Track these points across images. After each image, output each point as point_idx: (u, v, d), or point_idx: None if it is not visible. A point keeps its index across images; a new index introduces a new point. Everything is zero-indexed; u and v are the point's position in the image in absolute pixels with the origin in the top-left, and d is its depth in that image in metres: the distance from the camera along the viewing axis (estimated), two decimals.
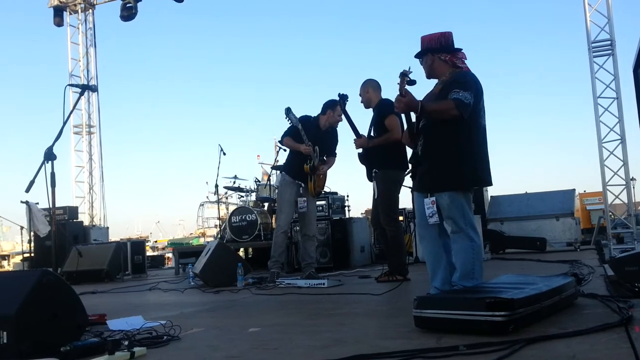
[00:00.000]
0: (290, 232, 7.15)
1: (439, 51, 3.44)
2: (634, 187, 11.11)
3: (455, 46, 3.47)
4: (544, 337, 2.20)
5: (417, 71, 3.43)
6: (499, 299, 2.37)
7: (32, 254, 9.36)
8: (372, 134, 5.27)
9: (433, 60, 3.46)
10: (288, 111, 5.74)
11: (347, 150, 5.46)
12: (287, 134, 5.92)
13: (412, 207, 7.48)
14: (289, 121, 5.78)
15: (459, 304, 2.49)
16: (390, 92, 5.44)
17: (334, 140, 6.04)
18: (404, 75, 3.28)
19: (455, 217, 3.31)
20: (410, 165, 3.68)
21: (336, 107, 5.74)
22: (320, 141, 5.83)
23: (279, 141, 6.33)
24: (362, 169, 5.32)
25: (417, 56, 3.53)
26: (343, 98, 5.47)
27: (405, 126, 3.65)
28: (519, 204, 9.63)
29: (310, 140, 5.71)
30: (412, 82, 3.29)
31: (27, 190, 3.75)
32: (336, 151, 6.09)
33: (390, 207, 5.23)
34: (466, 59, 3.46)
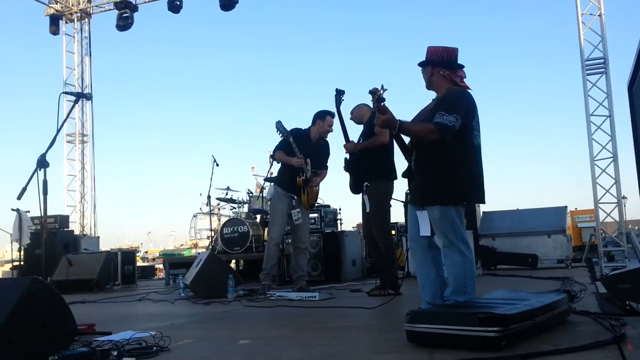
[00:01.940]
0: (282, 244, 7.13)
1: (439, 65, 3.43)
2: (625, 206, 11.18)
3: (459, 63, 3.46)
4: (537, 354, 2.20)
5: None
6: (492, 314, 2.37)
7: (22, 263, 9.26)
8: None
9: (432, 73, 3.47)
10: (279, 124, 5.75)
11: (339, 164, 5.45)
12: (278, 147, 5.92)
13: (404, 220, 7.48)
14: (280, 134, 5.79)
15: (452, 318, 2.48)
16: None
17: (326, 153, 6.04)
18: (373, 93, 3.30)
19: (446, 230, 3.31)
20: (404, 178, 3.68)
21: (325, 117, 5.79)
22: (312, 153, 5.84)
23: (271, 155, 6.31)
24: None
25: (419, 65, 3.54)
26: (339, 93, 5.36)
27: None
28: (511, 220, 9.64)
29: (302, 153, 5.71)
30: (381, 100, 3.28)
31: (19, 198, 3.70)
32: (327, 164, 6.08)
33: (384, 220, 5.24)
34: (465, 77, 3.46)
